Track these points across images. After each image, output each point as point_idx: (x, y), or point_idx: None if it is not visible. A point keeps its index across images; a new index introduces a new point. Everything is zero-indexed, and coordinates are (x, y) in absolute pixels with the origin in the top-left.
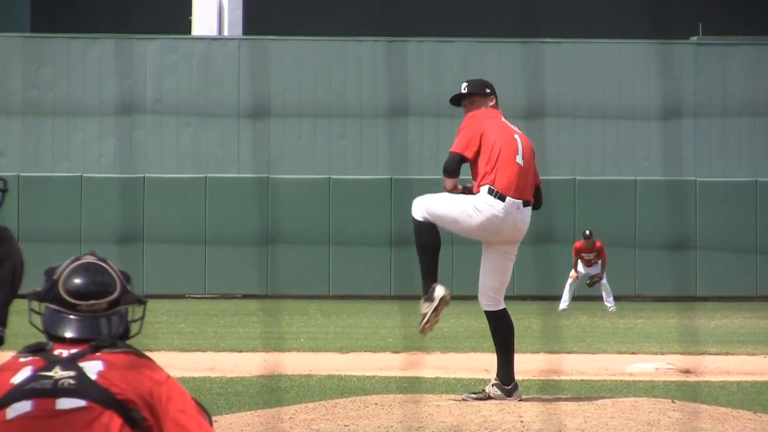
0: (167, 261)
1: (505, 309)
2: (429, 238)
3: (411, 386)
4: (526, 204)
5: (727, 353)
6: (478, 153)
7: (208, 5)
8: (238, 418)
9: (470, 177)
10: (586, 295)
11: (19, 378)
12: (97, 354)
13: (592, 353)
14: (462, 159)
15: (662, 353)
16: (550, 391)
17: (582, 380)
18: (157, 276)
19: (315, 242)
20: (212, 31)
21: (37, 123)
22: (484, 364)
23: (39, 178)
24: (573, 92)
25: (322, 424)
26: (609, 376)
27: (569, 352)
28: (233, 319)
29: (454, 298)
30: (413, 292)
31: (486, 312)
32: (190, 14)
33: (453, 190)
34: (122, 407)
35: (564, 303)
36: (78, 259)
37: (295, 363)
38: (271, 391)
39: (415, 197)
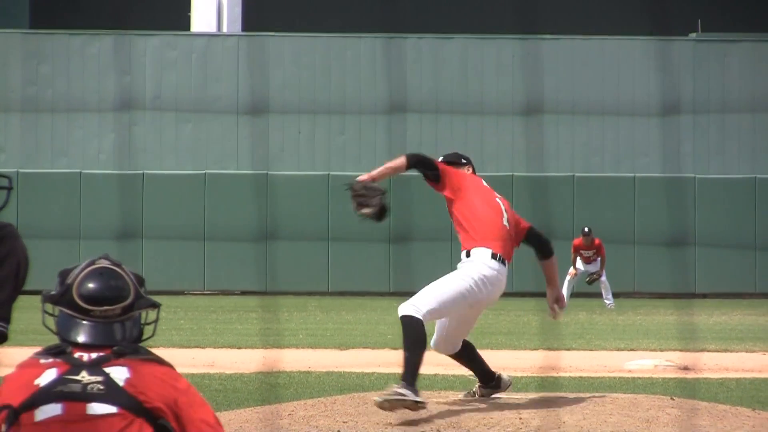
0: (166, 257)
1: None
2: (420, 333)
3: None
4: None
5: (725, 350)
6: (452, 202)
7: (207, 2)
8: (237, 414)
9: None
10: (585, 292)
11: (44, 380)
12: (120, 360)
13: (591, 350)
14: (434, 168)
15: (661, 350)
16: (549, 387)
17: (581, 377)
18: (156, 272)
19: (314, 238)
20: (211, 28)
21: (36, 119)
22: None
23: (38, 175)
24: (572, 89)
25: (321, 420)
26: (608, 373)
27: (568, 349)
28: (232, 315)
29: None
30: (412, 288)
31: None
32: (189, 10)
33: (377, 176)
34: (151, 416)
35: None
36: (93, 263)
37: (294, 359)
38: (270, 388)
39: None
